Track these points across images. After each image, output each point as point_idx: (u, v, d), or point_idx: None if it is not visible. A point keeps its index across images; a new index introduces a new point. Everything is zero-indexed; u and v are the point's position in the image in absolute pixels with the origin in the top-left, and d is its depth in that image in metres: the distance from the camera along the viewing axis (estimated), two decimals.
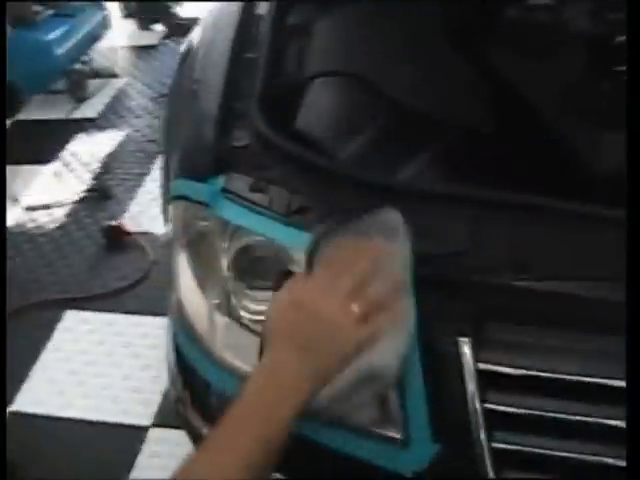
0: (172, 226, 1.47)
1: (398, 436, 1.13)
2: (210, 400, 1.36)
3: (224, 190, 1.32)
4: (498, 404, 1.10)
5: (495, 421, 1.09)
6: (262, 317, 1.29)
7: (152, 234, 2.91)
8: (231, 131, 1.41)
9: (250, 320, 1.32)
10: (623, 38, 1.48)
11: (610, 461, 1.06)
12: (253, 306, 1.34)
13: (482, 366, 1.10)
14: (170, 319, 1.46)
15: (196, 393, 1.42)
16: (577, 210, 1.17)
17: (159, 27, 4.68)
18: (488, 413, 1.09)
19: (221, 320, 1.35)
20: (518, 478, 1.11)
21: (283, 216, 1.26)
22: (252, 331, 1.30)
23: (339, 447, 1.16)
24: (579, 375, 1.09)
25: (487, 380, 1.10)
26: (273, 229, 1.26)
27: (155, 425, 2.26)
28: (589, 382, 1.08)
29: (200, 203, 1.35)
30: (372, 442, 1.15)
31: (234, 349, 1.31)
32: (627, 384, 1.02)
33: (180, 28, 4.22)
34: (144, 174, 3.34)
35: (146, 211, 3.06)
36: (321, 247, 1.10)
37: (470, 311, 1.11)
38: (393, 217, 1.11)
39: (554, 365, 1.10)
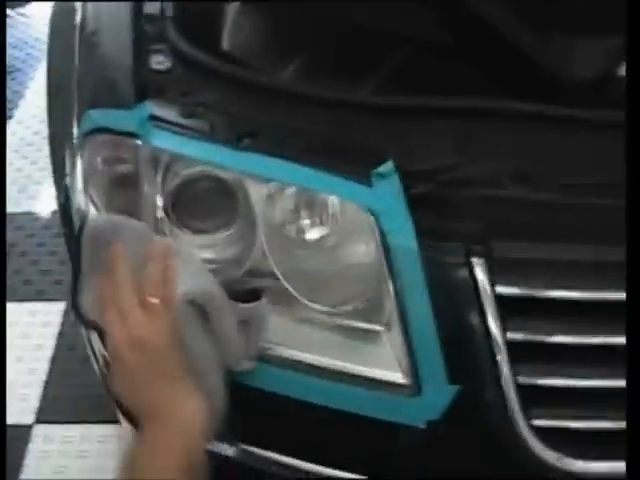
0: (80, 171, 1.22)
1: (404, 381, 0.96)
2: None
3: (152, 118, 1.09)
4: (521, 332, 0.94)
5: (519, 353, 0.94)
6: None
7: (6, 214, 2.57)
8: (148, 56, 1.18)
9: None
10: None
11: None
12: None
13: (500, 289, 0.94)
14: None
15: None
16: (574, 115, 1.04)
17: None
18: (511, 344, 0.94)
19: None
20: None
21: (231, 142, 1.05)
22: None
23: (336, 406, 0.97)
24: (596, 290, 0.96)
25: (507, 306, 0.94)
26: (223, 156, 1.05)
27: (39, 422, 1.97)
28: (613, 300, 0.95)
29: (124, 134, 1.11)
30: (372, 393, 0.98)
31: None
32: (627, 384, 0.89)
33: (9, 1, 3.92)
34: None
35: None
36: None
37: (478, 229, 0.96)
38: (100, 219, 1.10)
39: (573, 283, 0.96)
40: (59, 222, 2.20)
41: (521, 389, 0.95)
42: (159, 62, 1.18)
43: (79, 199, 1.22)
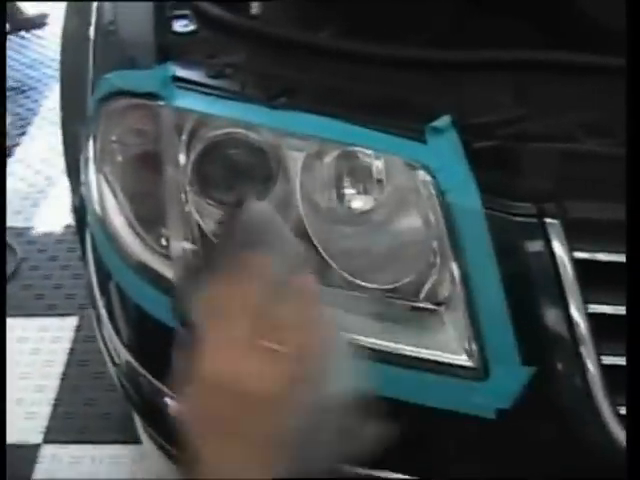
0: (93, 146, 1.10)
1: (469, 364, 0.83)
2: None
3: (176, 79, 0.98)
4: (606, 304, 0.81)
5: (603, 329, 0.81)
6: None
7: (17, 229, 2.48)
8: (171, 21, 1.07)
9: None
10: None
11: None
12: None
13: (579, 255, 0.81)
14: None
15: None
16: None
17: None
18: (594, 318, 0.81)
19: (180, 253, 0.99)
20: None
21: (265, 100, 0.93)
22: None
23: (389, 394, 0.83)
24: None
25: (587, 274, 0.81)
26: (257, 115, 0.93)
27: (47, 442, 1.84)
28: None
29: (144, 97, 1.00)
30: (430, 378, 0.84)
31: None
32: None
33: (24, 24, 3.88)
34: None
35: (8, 205, 2.62)
36: (196, 298, 0.74)
37: (550, 187, 0.83)
38: (263, 216, 0.77)
39: None
40: (71, 237, 2.11)
41: (606, 371, 0.82)
42: (183, 25, 1.07)
43: (91, 178, 1.11)
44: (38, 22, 3.94)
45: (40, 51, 3.66)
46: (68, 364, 2.02)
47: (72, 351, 2.06)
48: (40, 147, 2.90)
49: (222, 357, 0.67)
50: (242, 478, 0.67)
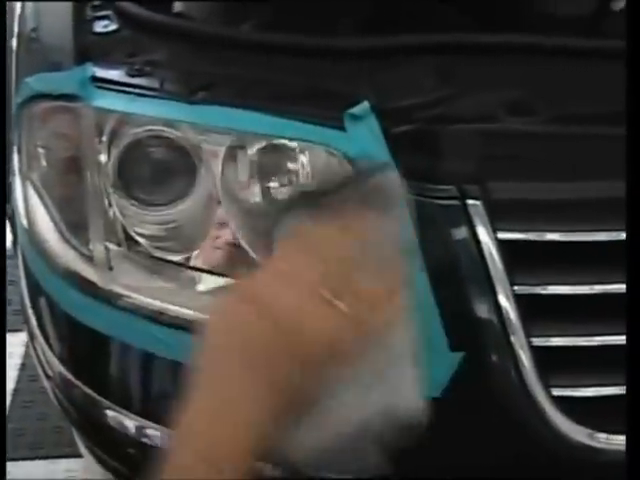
0: (18, 150, 1.08)
1: None
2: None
3: (95, 79, 0.96)
4: (530, 285, 0.80)
5: (530, 309, 0.80)
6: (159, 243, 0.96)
7: None
8: (92, 23, 1.05)
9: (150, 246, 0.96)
10: None
11: None
12: (148, 231, 0.97)
13: (502, 235, 0.80)
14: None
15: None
16: (566, 45, 0.91)
17: None
18: (520, 298, 0.79)
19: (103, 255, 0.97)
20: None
21: (185, 96, 0.92)
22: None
23: None
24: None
25: (510, 254, 0.80)
26: (176, 110, 0.91)
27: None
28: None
29: (63, 98, 0.98)
30: None
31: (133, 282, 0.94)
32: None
33: None
34: None
35: None
36: (289, 221, 0.75)
37: (471, 169, 0.82)
38: (390, 181, 0.77)
39: (579, 224, 0.82)
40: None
41: (536, 352, 0.80)
42: (104, 26, 1.05)
43: (18, 187, 1.08)
44: None
45: None
46: (19, 380, 1.99)
47: (23, 366, 2.02)
48: None
49: (279, 287, 0.66)
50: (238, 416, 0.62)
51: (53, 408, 1.81)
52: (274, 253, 0.72)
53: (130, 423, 0.94)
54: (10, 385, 1.98)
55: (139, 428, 0.94)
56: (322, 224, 0.71)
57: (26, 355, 2.04)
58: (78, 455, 1.70)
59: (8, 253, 2.40)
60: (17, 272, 2.23)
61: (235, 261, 0.91)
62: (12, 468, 1.79)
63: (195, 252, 0.93)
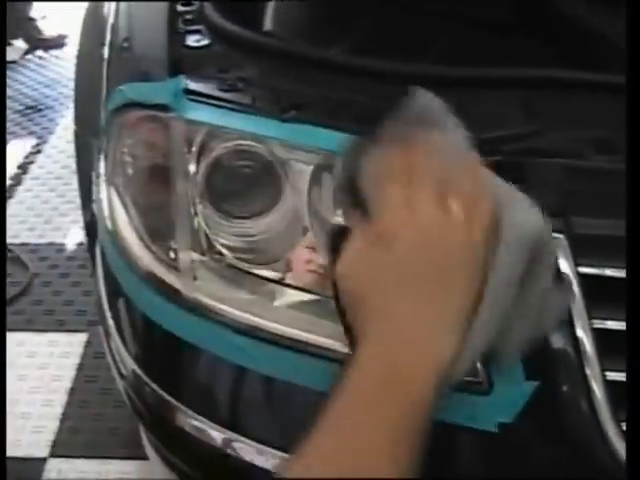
0: (106, 156, 1.12)
1: (472, 378, 0.82)
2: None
3: (187, 92, 0.99)
4: (610, 320, 0.81)
5: (607, 344, 0.81)
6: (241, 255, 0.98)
7: (30, 245, 2.50)
8: (185, 35, 1.08)
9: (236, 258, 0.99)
10: None
11: None
12: (232, 242, 1.00)
13: (584, 270, 0.81)
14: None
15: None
16: None
17: (20, 43, 4.24)
18: (598, 333, 0.80)
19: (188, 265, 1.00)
20: None
21: (275, 113, 0.94)
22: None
23: None
24: None
25: (592, 289, 0.81)
26: (267, 127, 0.94)
27: (53, 455, 1.84)
28: None
29: (156, 108, 1.01)
30: None
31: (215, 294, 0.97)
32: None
33: (42, 43, 3.94)
34: (15, 185, 2.89)
35: (22, 222, 2.65)
36: (362, 169, 0.76)
37: (555, 202, 0.83)
38: (432, 102, 0.81)
39: None
40: (82, 254, 2.11)
41: (609, 387, 0.81)
42: (196, 40, 1.08)
43: (103, 192, 1.12)
44: (57, 43, 3.99)
45: (58, 71, 3.71)
46: (76, 379, 2.03)
47: (81, 366, 2.06)
48: (55, 165, 2.93)
49: (409, 213, 0.70)
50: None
51: (110, 409, 1.88)
52: (367, 196, 0.74)
53: (215, 433, 0.95)
54: (67, 384, 2.02)
55: (226, 440, 0.95)
56: (394, 155, 0.74)
57: (84, 355, 2.09)
58: (132, 457, 1.75)
59: (69, 254, 2.48)
60: (80, 273, 2.30)
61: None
62: (65, 465, 1.83)
63: (289, 273, 0.96)
